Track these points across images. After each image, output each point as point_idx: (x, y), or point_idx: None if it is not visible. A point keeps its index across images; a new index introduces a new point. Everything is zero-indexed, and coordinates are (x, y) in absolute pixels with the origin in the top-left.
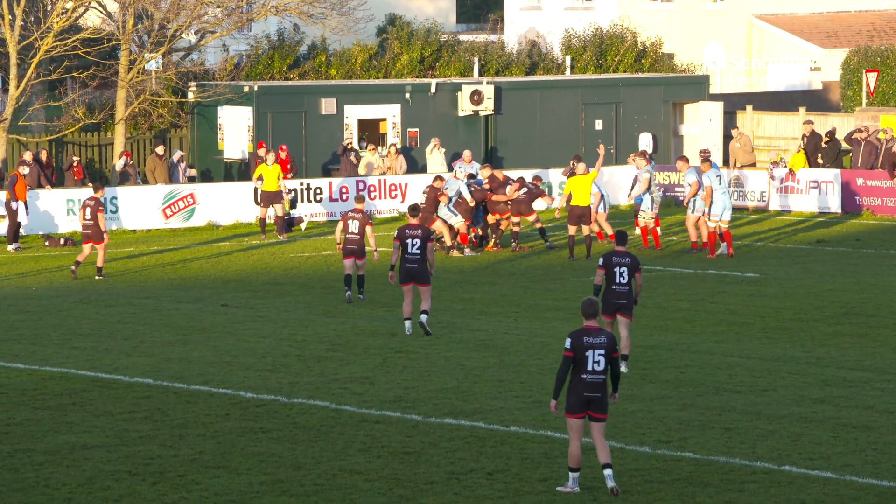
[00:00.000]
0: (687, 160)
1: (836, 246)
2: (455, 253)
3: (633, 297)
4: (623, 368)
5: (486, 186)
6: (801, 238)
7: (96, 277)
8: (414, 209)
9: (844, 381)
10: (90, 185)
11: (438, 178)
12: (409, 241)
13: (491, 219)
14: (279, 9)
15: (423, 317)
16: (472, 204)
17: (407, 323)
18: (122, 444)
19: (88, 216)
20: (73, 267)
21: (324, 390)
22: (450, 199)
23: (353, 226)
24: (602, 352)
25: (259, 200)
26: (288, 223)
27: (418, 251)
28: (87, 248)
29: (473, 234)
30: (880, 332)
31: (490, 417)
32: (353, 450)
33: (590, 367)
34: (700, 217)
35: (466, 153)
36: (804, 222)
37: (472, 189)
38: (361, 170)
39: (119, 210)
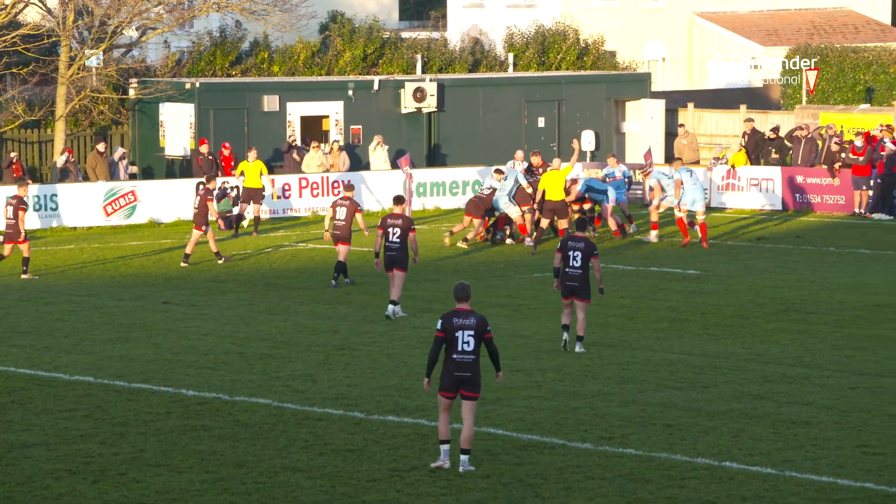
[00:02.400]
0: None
1: (776, 243)
2: (510, 241)
3: (587, 281)
4: (578, 348)
5: (538, 172)
6: (741, 235)
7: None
8: (398, 199)
9: (784, 377)
10: (29, 182)
11: (497, 170)
12: (390, 229)
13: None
14: (221, 5)
15: (390, 307)
16: (530, 191)
17: (390, 307)
18: (61, 442)
19: (197, 204)
20: (220, 260)
21: (266, 388)
22: (510, 191)
23: (341, 213)
24: (471, 332)
25: (239, 197)
26: (230, 221)
27: (398, 240)
28: (196, 233)
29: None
30: (819, 328)
31: (433, 414)
32: (296, 447)
33: (460, 348)
34: (611, 207)
35: (519, 153)
36: (745, 219)
37: (522, 186)
38: (304, 168)
39: (59, 207)
